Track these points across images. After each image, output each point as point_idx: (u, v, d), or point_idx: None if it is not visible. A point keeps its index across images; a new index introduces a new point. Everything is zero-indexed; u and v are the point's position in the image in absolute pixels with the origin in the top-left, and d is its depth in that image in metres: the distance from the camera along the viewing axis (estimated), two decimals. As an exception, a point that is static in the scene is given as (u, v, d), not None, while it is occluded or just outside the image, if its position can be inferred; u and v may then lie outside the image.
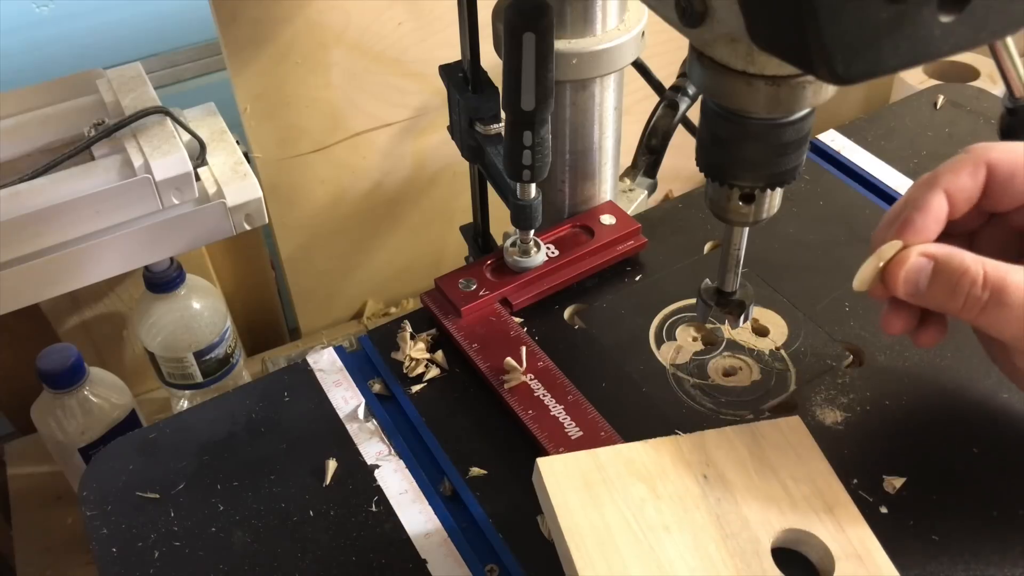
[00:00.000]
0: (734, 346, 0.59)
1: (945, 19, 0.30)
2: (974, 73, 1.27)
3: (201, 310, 0.91)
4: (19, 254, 0.74)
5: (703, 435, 0.49)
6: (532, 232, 0.62)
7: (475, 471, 0.53)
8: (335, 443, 0.55)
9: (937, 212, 0.48)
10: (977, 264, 0.45)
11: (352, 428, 0.56)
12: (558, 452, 0.52)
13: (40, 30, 0.99)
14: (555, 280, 0.63)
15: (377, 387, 0.58)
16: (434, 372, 0.58)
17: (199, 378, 0.93)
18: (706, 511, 0.45)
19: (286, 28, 0.89)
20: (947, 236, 0.50)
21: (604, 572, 0.42)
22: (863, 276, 0.48)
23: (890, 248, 0.48)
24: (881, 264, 0.48)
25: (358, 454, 0.54)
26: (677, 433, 0.53)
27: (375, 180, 1.06)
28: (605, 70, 0.60)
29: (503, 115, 0.56)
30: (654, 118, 0.76)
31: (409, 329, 0.60)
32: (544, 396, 0.55)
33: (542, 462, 0.46)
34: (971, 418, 0.54)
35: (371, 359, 0.60)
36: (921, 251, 0.46)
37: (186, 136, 0.80)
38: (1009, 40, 0.57)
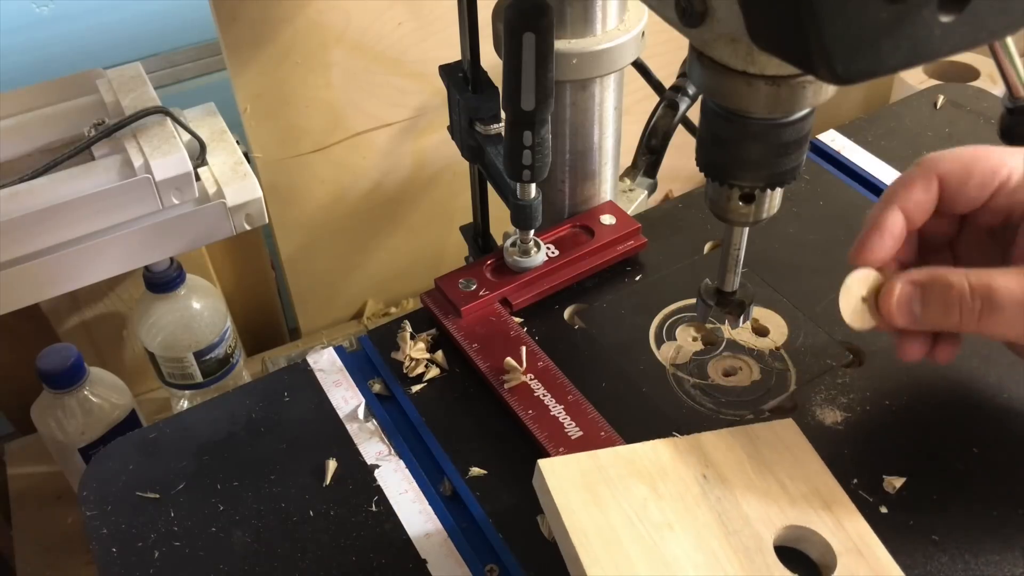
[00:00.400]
0: (734, 346, 0.59)
1: (945, 19, 0.30)
2: (974, 73, 1.27)
3: (201, 310, 0.91)
4: (19, 254, 0.74)
5: (700, 437, 0.49)
6: (532, 232, 0.62)
7: (475, 471, 0.53)
8: (335, 443, 0.55)
9: (892, 229, 0.49)
10: (960, 277, 0.46)
11: (352, 428, 0.56)
12: (558, 452, 0.52)
13: (40, 30, 0.99)
14: (555, 280, 0.63)
15: (377, 387, 0.58)
16: (434, 372, 0.58)
17: (199, 378, 0.93)
18: (707, 509, 0.45)
19: (286, 28, 0.89)
20: (930, 251, 0.51)
21: (611, 571, 0.42)
22: (852, 313, 0.49)
23: (855, 279, 0.49)
24: (864, 294, 0.49)
25: (358, 454, 0.54)
26: (676, 434, 0.54)
27: (375, 180, 1.06)
28: (605, 70, 0.60)
29: (503, 115, 0.56)
30: (654, 118, 0.76)
31: (409, 329, 0.60)
32: (544, 396, 0.55)
33: (543, 463, 0.46)
34: (971, 418, 0.54)
35: (371, 359, 0.60)
36: (905, 279, 0.48)
37: (186, 136, 0.80)
38: (1009, 40, 0.57)
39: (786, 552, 0.45)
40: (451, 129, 0.68)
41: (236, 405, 0.58)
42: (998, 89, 0.67)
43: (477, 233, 0.74)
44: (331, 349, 0.61)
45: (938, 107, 0.80)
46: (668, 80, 0.77)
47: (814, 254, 0.66)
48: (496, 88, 0.63)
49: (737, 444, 0.49)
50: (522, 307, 0.62)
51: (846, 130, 0.78)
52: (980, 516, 0.49)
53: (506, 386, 0.56)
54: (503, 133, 0.60)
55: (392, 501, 0.52)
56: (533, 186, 0.58)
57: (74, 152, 0.77)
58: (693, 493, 0.46)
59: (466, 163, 0.68)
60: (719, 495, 0.46)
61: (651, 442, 0.48)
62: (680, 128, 0.76)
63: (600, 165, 0.67)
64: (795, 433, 0.50)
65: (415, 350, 0.59)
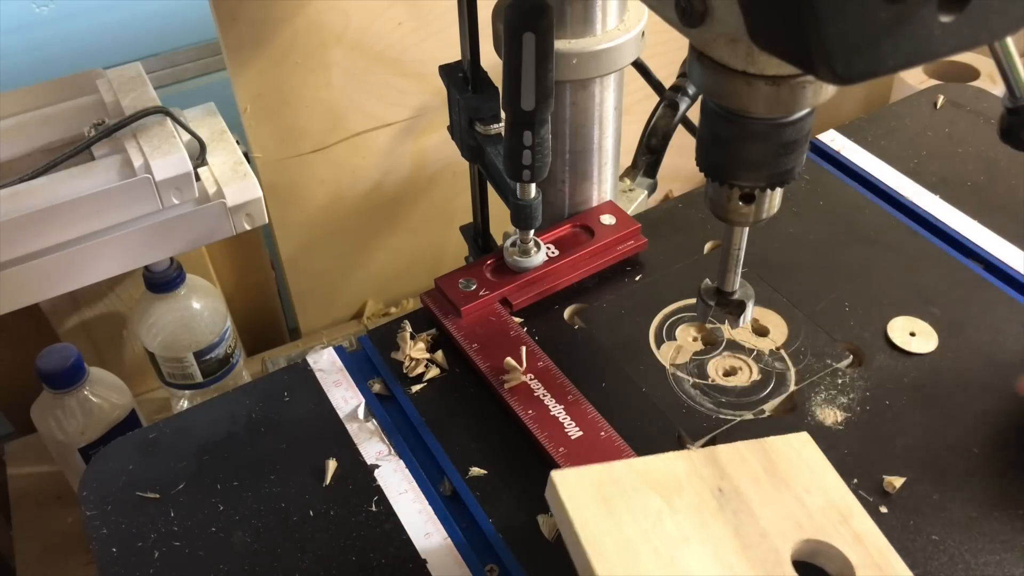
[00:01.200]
0: (734, 346, 0.59)
1: (945, 19, 0.30)
2: (974, 73, 1.27)
3: (201, 310, 0.91)
4: (19, 254, 0.74)
5: (714, 449, 0.48)
6: (532, 232, 0.62)
7: (475, 471, 0.53)
8: (335, 443, 0.55)
9: None
10: None
11: (352, 428, 0.56)
12: (558, 452, 0.52)
13: (40, 30, 0.99)
14: (555, 280, 0.63)
15: (377, 387, 0.58)
16: (434, 372, 0.58)
17: (199, 378, 0.93)
18: (724, 523, 0.44)
19: (286, 28, 0.89)
20: None
21: None
22: None
23: None
24: None
25: (358, 454, 0.54)
26: (679, 432, 0.54)
27: (375, 180, 1.06)
28: (605, 70, 0.60)
29: (503, 115, 0.56)
30: (654, 118, 0.76)
31: (409, 329, 0.60)
32: (544, 396, 0.55)
33: (556, 476, 0.45)
34: (971, 418, 0.54)
35: (371, 359, 0.60)
36: None
37: (186, 136, 0.80)
38: (1009, 40, 0.57)
39: (803, 567, 0.45)
40: (451, 129, 0.68)
41: (236, 405, 0.58)
42: (998, 89, 0.66)
43: (477, 233, 0.74)
44: (331, 349, 0.61)
45: (938, 107, 0.80)
46: (668, 80, 0.77)
47: (814, 254, 0.66)
48: (496, 88, 0.63)
49: (752, 457, 0.48)
50: (522, 307, 0.62)
51: (846, 130, 0.78)
52: (980, 516, 0.49)
53: (506, 386, 0.56)
54: (503, 133, 0.60)
55: (392, 501, 0.52)
56: (533, 186, 0.58)
57: (74, 152, 0.77)
58: (709, 507, 0.45)
59: (466, 163, 0.68)
60: (735, 508, 0.45)
61: (665, 454, 0.47)
62: (680, 128, 0.76)
63: (600, 165, 0.67)
64: (811, 447, 0.49)
65: (415, 350, 0.59)
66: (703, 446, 0.54)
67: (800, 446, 0.49)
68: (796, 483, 0.47)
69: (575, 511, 0.44)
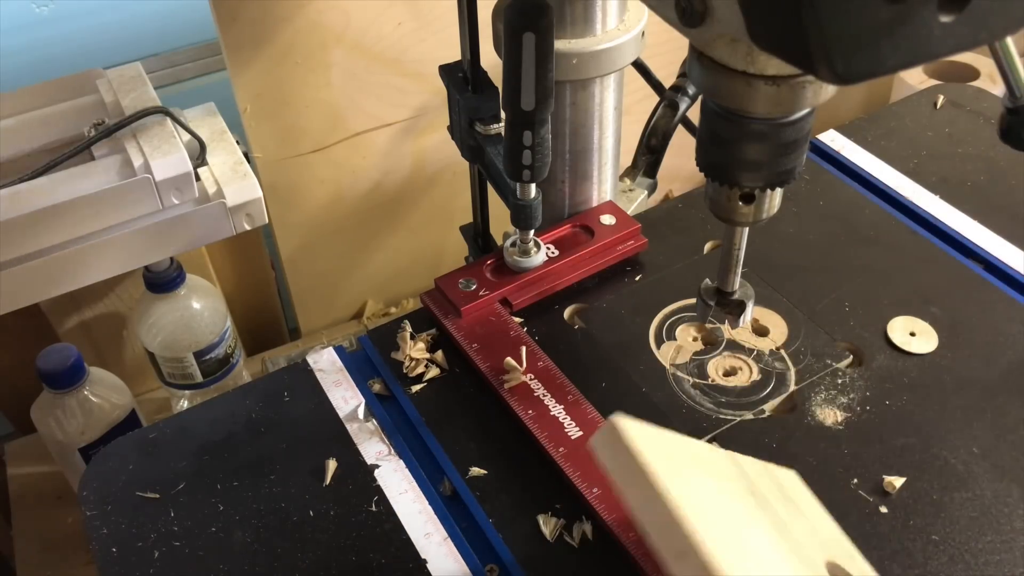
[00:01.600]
0: (734, 346, 0.59)
1: (945, 19, 0.30)
2: (974, 73, 1.27)
3: (201, 310, 0.91)
4: (19, 254, 0.74)
5: (734, 455, 0.46)
6: (532, 232, 0.62)
7: (475, 471, 0.53)
8: (335, 443, 0.55)
9: None
10: None
11: (352, 428, 0.56)
12: (558, 452, 0.52)
13: (40, 30, 0.99)
14: (555, 280, 0.63)
15: (377, 387, 0.58)
16: (434, 372, 0.58)
17: (199, 378, 0.93)
18: (767, 522, 0.42)
19: (286, 28, 0.89)
20: None
21: (720, 540, 0.36)
22: None
23: None
24: None
25: (358, 454, 0.54)
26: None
27: (375, 180, 1.06)
28: (605, 70, 0.60)
29: (503, 115, 0.56)
30: (654, 118, 0.76)
31: (409, 329, 0.60)
32: (544, 396, 0.55)
33: (618, 420, 0.39)
34: (971, 418, 0.54)
35: (371, 359, 0.60)
36: None
37: (186, 136, 0.80)
38: (1009, 40, 0.57)
39: None
40: (451, 129, 0.68)
41: (236, 405, 0.58)
42: (998, 89, 0.66)
43: (477, 233, 0.74)
44: (331, 349, 0.61)
45: (938, 107, 0.80)
46: (668, 80, 0.77)
47: (814, 254, 0.66)
48: (496, 88, 0.63)
49: (767, 474, 0.46)
50: (522, 307, 0.62)
51: (846, 130, 0.78)
52: (980, 516, 0.49)
53: (506, 386, 0.56)
54: (503, 133, 0.60)
55: (392, 501, 0.52)
56: (533, 186, 0.58)
57: (74, 152, 0.77)
58: (750, 502, 0.43)
59: (466, 163, 0.68)
60: (772, 512, 0.43)
61: (702, 442, 0.46)
62: (680, 128, 0.76)
63: (600, 165, 0.67)
64: (803, 485, 0.48)
65: (415, 350, 0.59)
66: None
67: (796, 481, 0.48)
68: (806, 510, 0.46)
69: (644, 456, 0.37)
